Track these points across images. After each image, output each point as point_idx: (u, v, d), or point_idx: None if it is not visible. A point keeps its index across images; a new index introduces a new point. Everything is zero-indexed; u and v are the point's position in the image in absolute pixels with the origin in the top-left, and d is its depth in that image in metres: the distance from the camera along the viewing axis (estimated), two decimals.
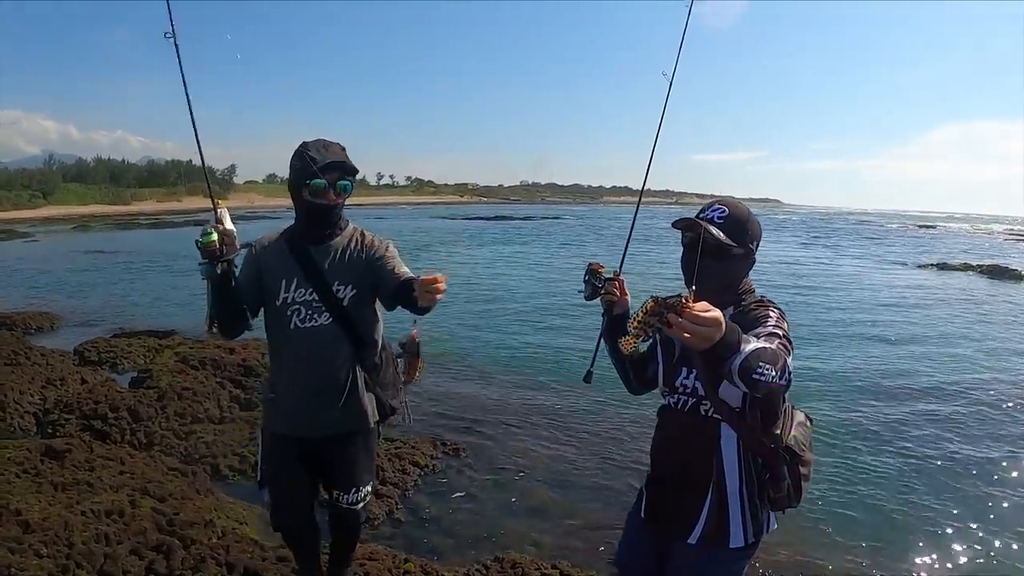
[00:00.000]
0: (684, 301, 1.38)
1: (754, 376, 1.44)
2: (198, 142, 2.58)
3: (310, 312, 2.44)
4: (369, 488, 2.72)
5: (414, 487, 4.51)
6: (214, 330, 7.87)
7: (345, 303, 2.46)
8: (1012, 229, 67.38)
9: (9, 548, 3.20)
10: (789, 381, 1.54)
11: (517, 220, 55.81)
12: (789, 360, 1.56)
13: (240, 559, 3.34)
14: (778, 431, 1.88)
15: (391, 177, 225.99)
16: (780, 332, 1.68)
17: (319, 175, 2.35)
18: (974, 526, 4.31)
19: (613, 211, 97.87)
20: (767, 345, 1.51)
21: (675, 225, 1.95)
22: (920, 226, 66.93)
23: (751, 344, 1.46)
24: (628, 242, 2.59)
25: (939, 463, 5.21)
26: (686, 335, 1.38)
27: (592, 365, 2.24)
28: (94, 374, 7.11)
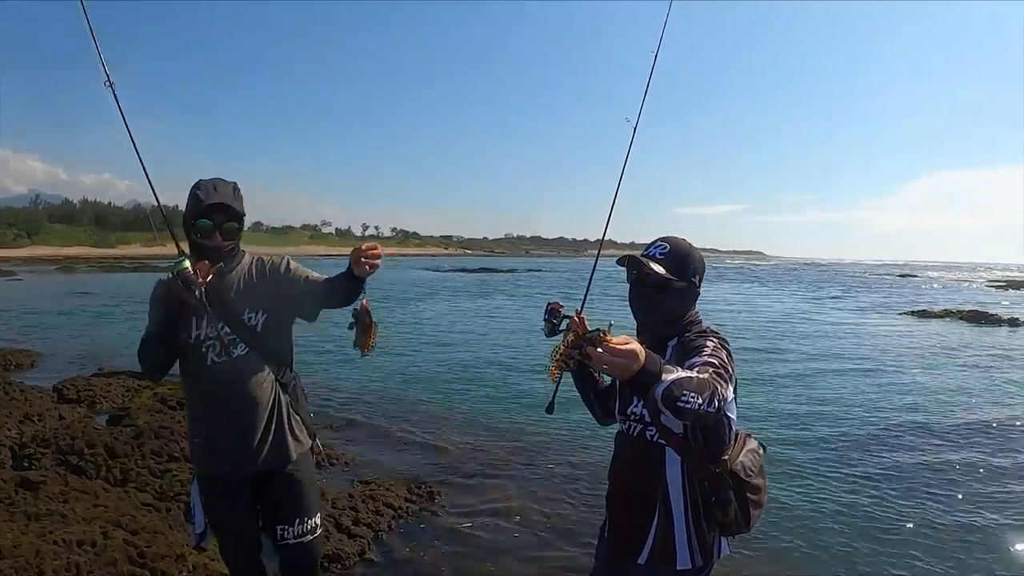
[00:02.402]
0: (602, 335, 1.49)
1: (679, 404, 1.50)
2: (146, 172, 2.52)
3: (225, 346, 2.37)
4: (317, 520, 2.61)
5: (387, 528, 4.53)
6: None
7: (259, 329, 2.44)
8: (991, 277, 68.58)
9: None
10: (718, 409, 1.60)
11: (502, 272, 56.44)
12: (722, 389, 1.63)
13: None
14: (725, 456, 1.95)
15: (376, 228, 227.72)
16: (715, 361, 1.75)
17: (204, 215, 2.36)
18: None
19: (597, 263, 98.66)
20: (693, 375, 1.58)
21: (619, 262, 2.08)
22: (901, 275, 68.31)
23: (674, 374, 1.53)
24: (590, 283, 2.74)
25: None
26: (604, 366, 1.48)
27: (553, 397, 2.28)
28: (72, 411, 7.11)
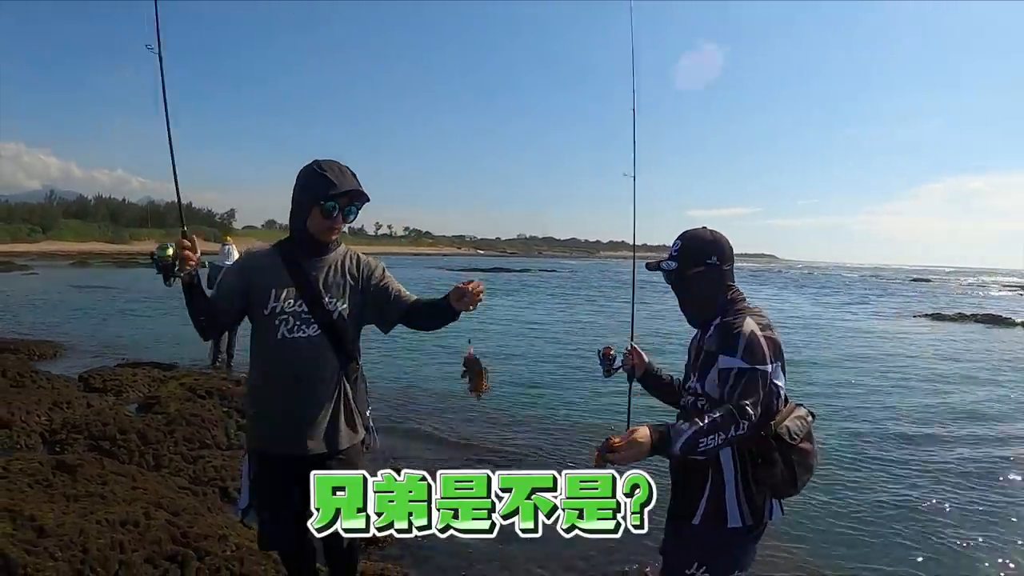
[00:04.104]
0: (609, 443, 1.85)
1: (699, 450, 1.84)
2: (173, 161, 2.52)
3: (299, 323, 2.42)
4: None
5: None
6: (218, 363, 7.97)
7: (334, 316, 2.47)
8: (1006, 282, 68.95)
9: (25, 549, 3.24)
10: (749, 425, 1.88)
11: (515, 272, 56.76)
12: (750, 407, 1.89)
13: (254, 571, 3.39)
14: (772, 422, 2.05)
15: (389, 227, 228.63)
16: (744, 367, 1.97)
17: (335, 198, 2.41)
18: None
19: (609, 264, 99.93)
20: (705, 423, 1.84)
21: (648, 267, 2.40)
22: (914, 279, 68.85)
23: (685, 434, 1.83)
24: (633, 312, 2.96)
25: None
26: (623, 461, 1.84)
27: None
28: (100, 400, 7.16)
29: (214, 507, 4.35)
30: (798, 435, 2.07)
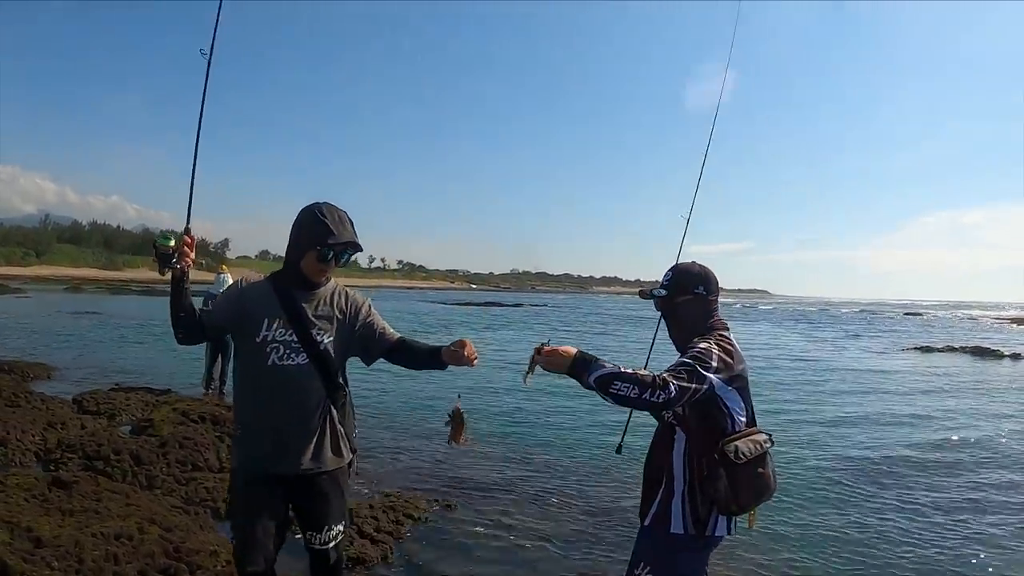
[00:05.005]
0: (542, 346, 2.14)
1: (611, 390, 2.02)
2: (195, 159, 2.75)
3: (289, 351, 2.54)
4: (341, 527, 2.75)
5: (408, 536, 4.67)
6: (211, 389, 8.10)
7: (321, 347, 2.59)
8: (1000, 315, 69.52)
9: (22, 557, 3.36)
10: (670, 399, 2.06)
11: (507, 306, 57.21)
12: (678, 382, 2.08)
13: None
14: (722, 440, 2.20)
15: (383, 260, 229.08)
16: (687, 359, 2.18)
17: (332, 247, 2.53)
18: None
19: (599, 300, 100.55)
20: (630, 371, 2.05)
21: (640, 295, 2.64)
22: (907, 314, 69.84)
23: (607, 369, 2.04)
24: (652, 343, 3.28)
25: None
26: (542, 365, 2.12)
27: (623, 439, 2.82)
28: (94, 421, 7.26)
29: (206, 525, 4.47)
30: (745, 455, 2.19)
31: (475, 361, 2.52)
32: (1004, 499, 6.44)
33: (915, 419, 10.69)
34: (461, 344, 2.52)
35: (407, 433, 8.14)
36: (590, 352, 2.12)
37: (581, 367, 2.06)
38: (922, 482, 6.94)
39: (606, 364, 2.05)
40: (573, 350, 2.09)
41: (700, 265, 2.48)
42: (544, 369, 2.13)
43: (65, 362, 12.52)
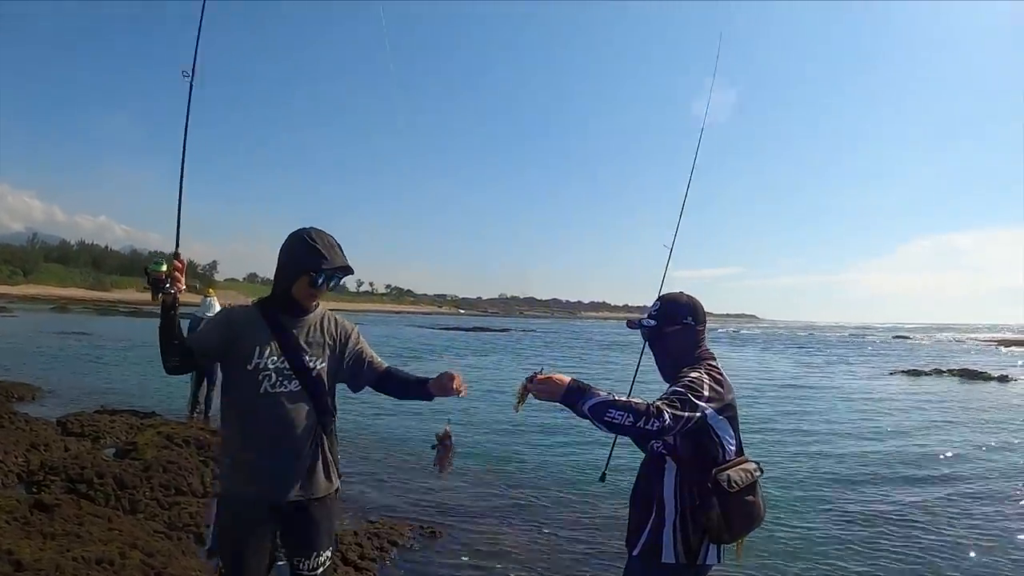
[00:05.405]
0: (534, 375, 2.13)
1: (606, 418, 2.03)
2: (182, 179, 2.70)
3: (281, 378, 2.54)
4: (328, 553, 2.73)
5: (391, 563, 4.67)
6: (196, 413, 8.03)
7: (313, 374, 2.60)
8: (988, 337, 70.26)
9: None
10: (664, 428, 2.06)
11: (495, 331, 57.30)
12: (671, 410, 2.09)
13: None
14: (715, 470, 2.23)
15: (371, 285, 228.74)
16: (680, 388, 2.19)
17: (323, 273, 2.54)
18: None
19: (586, 326, 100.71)
20: (624, 399, 2.06)
21: (628, 326, 2.64)
22: (895, 337, 70.26)
23: (600, 397, 2.05)
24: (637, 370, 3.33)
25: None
26: (535, 394, 2.11)
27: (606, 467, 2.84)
28: (78, 444, 7.21)
29: (188, 551, 4.44)
30: (737, 484, 2.22)
31: (463, 392, 2.57)
32: (990, 509, 6.50)
33: (919, 459, 10.74)
34: (449, 377, 2.58)
35: (392, 458, 8.14)
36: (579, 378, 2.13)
37: (575, 395, 2.06)
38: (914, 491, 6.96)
39: (600, 392, 2.06)
40: (567, 378, 2.09)
41: (687, 295, 2.51)
42: (536, 398, 2.13)
43: (50, 383, 12.43)
